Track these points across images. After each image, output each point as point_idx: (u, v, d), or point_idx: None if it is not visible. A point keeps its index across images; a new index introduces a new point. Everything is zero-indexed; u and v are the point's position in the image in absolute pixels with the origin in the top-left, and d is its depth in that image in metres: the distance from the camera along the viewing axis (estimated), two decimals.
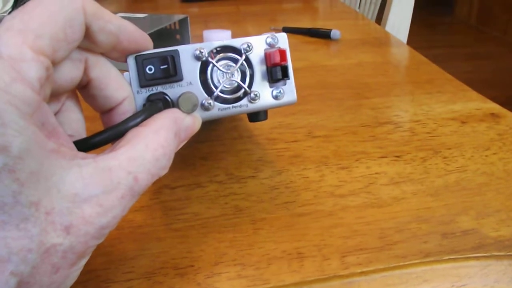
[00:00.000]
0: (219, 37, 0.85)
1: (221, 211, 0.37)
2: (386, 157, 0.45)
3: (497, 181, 0.41)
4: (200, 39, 0.86)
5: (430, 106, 0.56)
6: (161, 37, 0.83)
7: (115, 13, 0.85)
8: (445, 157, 0.45)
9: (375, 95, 0.60)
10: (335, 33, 0.86)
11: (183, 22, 0.81)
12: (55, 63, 0.23)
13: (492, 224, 0.36)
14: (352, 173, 0.42)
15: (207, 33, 0.85)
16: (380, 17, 1.35)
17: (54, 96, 0.26)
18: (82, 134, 0.29)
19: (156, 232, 0.35)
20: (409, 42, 1.08)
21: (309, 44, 0.85)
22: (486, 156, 0.45)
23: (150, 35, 0.71)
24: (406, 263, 0.32)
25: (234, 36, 0.87)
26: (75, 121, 0.28)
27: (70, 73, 0.25)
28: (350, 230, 0.35)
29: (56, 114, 0.27)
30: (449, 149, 0.46)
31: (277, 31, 0.94)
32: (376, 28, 0.99)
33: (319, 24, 1.00)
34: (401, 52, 0.82)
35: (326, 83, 0.65)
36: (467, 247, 0.33)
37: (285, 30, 0.93)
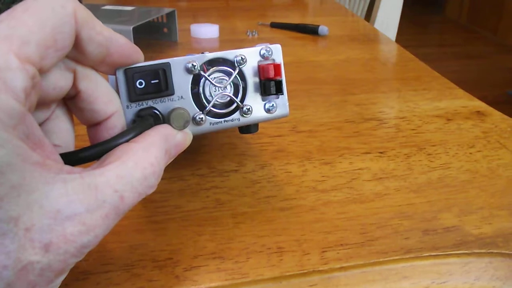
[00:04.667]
0: (207, 31, 0.84)
1: (202, 204, 0.37)
2: (369, 153, 0.45)
3: (480, 179, 0.41)
4: (188, 33, 0.85)
5: (416, 103, 0.56)
6: (148, 30, 0.82)
7: (103, 5, 0.84)
8: (429, 154, 0.45)
9: (362, 91, 0.60)
10: (323, 29, 0.86)
11: (170, 15, 0.81)
12: (42, 71, 0.22)
13: (474, 222, 0.36)
14: (335, 168, 0.42)
15: (194, 27, 0.85)
16: (369, 14, 1.35)
17: (43, 104, 0.25)
18: (69, 145, 0.28)
19: (136, 224, 0.35)
20: (399, 40, 1.08)
21: (296, 40, 0.85)
22: (471, 153, 0.45)
23: (137, 27, 0.71)
24: (387, 259, 0.32)
25: (221, 30, 0.86)
26: (64, 130, 0.27)
27: (58, 82, 0.24)
28: (331, 225, 0.35)
29: (45, 121, 0.27)
30: (433, 146, 0.46)
31: (265, 26, 0.93)
32: (364, 25, 0.99)
33: (308, 20, 1.00)
34: (389, 49, 0.82)
35: (312, 79, 0.64)
36: (448, 244, 0.33)
37: (273, 25, 0.93)
